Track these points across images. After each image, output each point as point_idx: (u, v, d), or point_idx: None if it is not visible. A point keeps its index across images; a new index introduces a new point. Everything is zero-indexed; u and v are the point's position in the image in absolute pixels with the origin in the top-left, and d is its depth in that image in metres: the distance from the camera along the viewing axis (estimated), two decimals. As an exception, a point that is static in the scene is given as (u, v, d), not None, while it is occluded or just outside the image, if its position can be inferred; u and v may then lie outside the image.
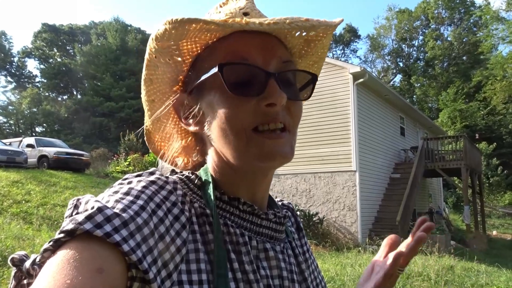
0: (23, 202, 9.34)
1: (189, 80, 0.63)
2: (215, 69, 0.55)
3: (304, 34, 0.62)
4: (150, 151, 0.75)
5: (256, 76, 0.56)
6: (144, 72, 0.62)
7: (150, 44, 0.57)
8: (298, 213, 11.70)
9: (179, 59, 0.61)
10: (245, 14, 0.60)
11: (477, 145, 23.46)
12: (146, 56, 0.60)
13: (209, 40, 0.58)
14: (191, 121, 0.63)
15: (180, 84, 0.65)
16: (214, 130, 0.59)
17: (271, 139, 0.56)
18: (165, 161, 0.73)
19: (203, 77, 0.58)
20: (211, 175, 0.63)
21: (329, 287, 5.79)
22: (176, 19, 0.52)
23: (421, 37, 45.38)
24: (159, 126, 0.70)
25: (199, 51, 0.60)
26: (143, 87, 0.64)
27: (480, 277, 7.48)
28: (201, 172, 0.64)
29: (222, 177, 0.62)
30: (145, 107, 0.68)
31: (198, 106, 0.61)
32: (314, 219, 11.93)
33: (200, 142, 0.68)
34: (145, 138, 0.73)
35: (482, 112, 34.00)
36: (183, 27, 0.53)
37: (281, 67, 0.58)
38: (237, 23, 0.53)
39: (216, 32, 0.57)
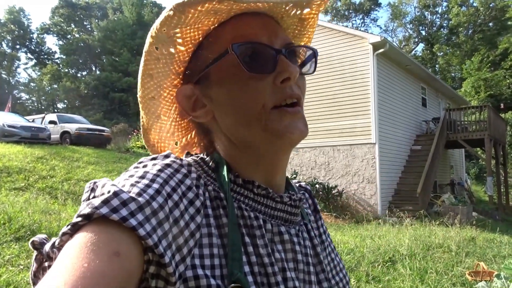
0: (48, 177, 9.61)
1: (192, 71, 0.62)
2: (227, 51, 0.56)
3: (298, 12, 0.64)
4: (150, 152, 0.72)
5: (266, 54, 0.57)
6: (142, 68, 0.60)
7: (153, 34, 0.55)
8: (317, 186, 11.79)
9: (182, 48, 0.59)
10: None
11: (502, 115, 22.82)
12: (146, 49, 0.58)
13: (211, 26, 0.58)
14: (199, 111, 0.62)
15: (181, 77, 0.64)
16: (229, 114, 0.59)
17: (290, 113, 0.57)
18: None
19: (212, 62, 0.58)
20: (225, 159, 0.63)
21: (349, 258, 5.84)
22: (189, 0, 0.51)
23: (445, 4, 43.56)
24: (159, 125, 0.69)
25: (200, 39, 0.60)
26: (140, 85, 0.62)
27: (502, 248, 7.42)
28: (215, 155, 0.63)
29: (236, 160, 0.62)
30: (143, 108, 0.65)
31: (207, 94, 0.60)
32: (333, 192, 11.96)
33: (205, 133, 0.66)
34: (143, 141, 0.72)
35: (508, 81, 32.80)
36: (195, 8, 0.52)
37: (284, 45, 0.60)
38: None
39: (220, 16, 0.56)
